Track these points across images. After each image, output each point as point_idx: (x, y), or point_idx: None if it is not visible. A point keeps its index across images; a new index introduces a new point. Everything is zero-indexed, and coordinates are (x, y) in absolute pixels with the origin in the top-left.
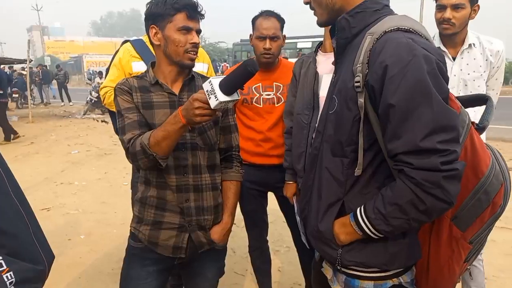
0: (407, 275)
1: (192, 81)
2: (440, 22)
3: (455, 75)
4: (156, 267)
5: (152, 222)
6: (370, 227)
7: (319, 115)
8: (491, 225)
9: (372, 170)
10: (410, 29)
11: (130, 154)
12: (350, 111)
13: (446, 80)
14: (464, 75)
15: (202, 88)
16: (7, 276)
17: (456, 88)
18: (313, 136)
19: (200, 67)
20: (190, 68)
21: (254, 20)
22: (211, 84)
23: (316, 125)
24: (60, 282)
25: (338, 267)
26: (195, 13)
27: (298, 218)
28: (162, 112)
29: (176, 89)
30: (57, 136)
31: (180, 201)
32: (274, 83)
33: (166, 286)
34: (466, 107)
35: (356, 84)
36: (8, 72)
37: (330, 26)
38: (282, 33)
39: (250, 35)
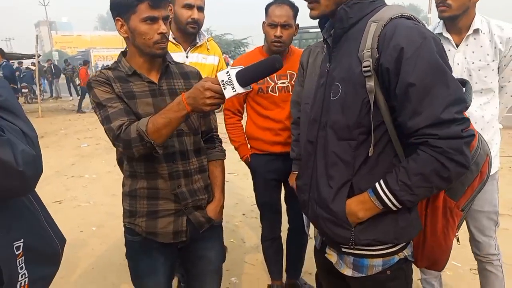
0: (408, 248)
1: (167, 68)
2: (437, 4)
3: (458, 64)
4: (162, 254)
5: (147, 213)
6: (393, 199)
7: (315, 105)
8: (478, 192)
9: (379, 151)
10: (411, 17)
11: (122, 141)
12: (358, 96)
13: (445, 60)
14: (468, 64)
15: (178, 76)
16: (19, 261)
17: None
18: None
19: (212, 60)
20: (161, 56)
21: (267, 7)
22: (229, 75)
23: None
24: (72, 273)
25: (345, 250)
26: (158, 1)
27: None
28: (144, 101)
29: (154, 78)
30: (67, 130)
31: (173, 188)
32: (288, 71)
33: (177, 276)
34: None
35: (365, 68)
36: (15, 67)
37: (318, 21)
38: (295, 21)
39: (263, 22)
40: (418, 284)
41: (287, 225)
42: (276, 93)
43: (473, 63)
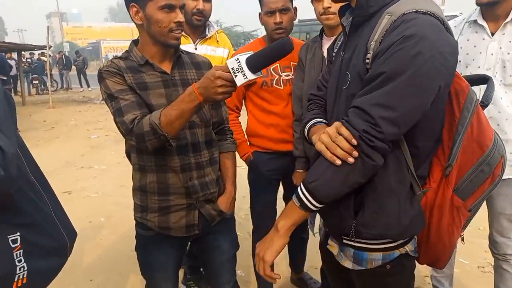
0: (411, 244)
1: (179, 58)
2: None
3: (492, 54)
4: (172, 247)
5: (159, 208)
6: (305, 190)
7: (331, 96)
8: (488, 195)
9: None
10: (428, 12)
11: (136, 135)
12: (361, 87)
13: (449, 69)
14: (503, 54)
15: (190, 66)
16: (16, 254)
17: (492, 70)
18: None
19: (221, 52)
20: (176, 47)
21: None
22: (239, 62)
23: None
24: (81, 263)
25: (346, 241)
26: None
27: None
28: (157, 92)
29: (166, 68)
30: (77, 121)
31: (185, 180)
32: (291, 62)
33: (183, 269)
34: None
35: (367, 60)
36: (26, 58)
37: (339, 8)
38: (292, 4)
39: (260, 14)
40: (426, 281)
41: None
42: (281, 86)
43: (508, 53)
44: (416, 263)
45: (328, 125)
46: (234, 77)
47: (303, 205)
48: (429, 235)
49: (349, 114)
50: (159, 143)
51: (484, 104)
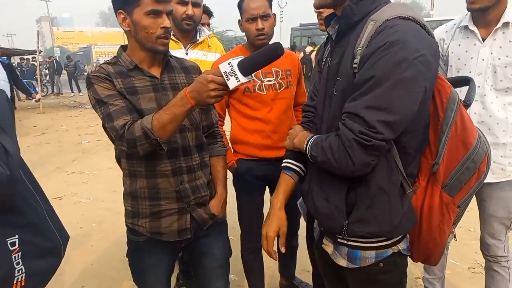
0: (403, 242)
1: (168, 63)
2: None
3: (483, 59)
4: (164, 251)
5: (150, 213)
6: (308, 148)
7: (320, 101)
8: (475, 190)
9: None
10: (410, 17)
11: (127, 141)
12: (351, 91)
13: (432, 70)
14: (494, 60)
15: (179, 70)
16: (15, 257)
17: (483, 75)
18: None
19: (213, 56)
20: (163, 53)
21: (240, 4)
22: (231, 66)
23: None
24: (73, 269)
25: (340, 240)
26: None
27: (301, 204)
28: (147, 96)
29: (155, 72)
30: (68, 126)
31: (176, 184)
32: (273, 68)
33: (176, 274)
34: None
35: (354, 65)
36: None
37: (324, 17)
38: (271, 11)
39: (239, 21)
40: (418, 282)
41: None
42: (263, 91)
43: (499, 58)
44: (409, 264)
45: (318, 130)
46: (226, 80)
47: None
48: (421, 232)
49: (345, 119)
50: (151, 148)
51: (467, 104)
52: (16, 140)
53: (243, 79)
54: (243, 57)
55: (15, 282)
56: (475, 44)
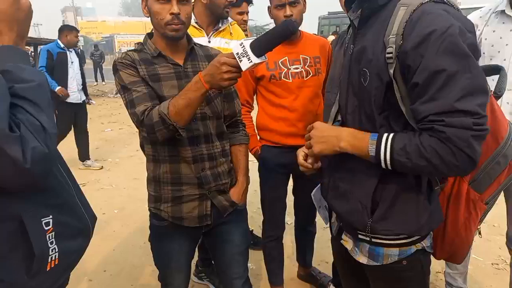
0: (427, 239)
1: (193, 51)
2: None
3: None
4: (185, 237)
5: (172, 198)
6: (388, 153)
7: (339, 91)
8: (505, 186)
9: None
10: (444, 1)
11: (146, 126)
12: (380, 82)
13: (476, 52)
14: None
15: (203, 58)
16: (49, 236)
17: None
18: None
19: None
20: (176, 39)
21: None
22: (243, 47)
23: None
24: (95, 254)
25: (361, 237)
26: None
27: (316, 196)
28: (170, 84)
29: (179, 60)
30: (91, 115)
31: (197, 171)
32: (301, 55)
33: (195, 261)
34: None
35: (388, 55)
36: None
37: (344, 1)
38: None
39: (268, 7)
40: (439, 277)
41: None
42: (289, 79)
43: None
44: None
45: (343, 122)
46: (239, 61)
47: (376, 159)
48: (446, 230)
49: (443, 119)
50: (169, 134)
51: (497, 94)
52: (54, 119)
53: (255, 60)
54: (256, 38)
55: (49, 260)
56: (511, 30)
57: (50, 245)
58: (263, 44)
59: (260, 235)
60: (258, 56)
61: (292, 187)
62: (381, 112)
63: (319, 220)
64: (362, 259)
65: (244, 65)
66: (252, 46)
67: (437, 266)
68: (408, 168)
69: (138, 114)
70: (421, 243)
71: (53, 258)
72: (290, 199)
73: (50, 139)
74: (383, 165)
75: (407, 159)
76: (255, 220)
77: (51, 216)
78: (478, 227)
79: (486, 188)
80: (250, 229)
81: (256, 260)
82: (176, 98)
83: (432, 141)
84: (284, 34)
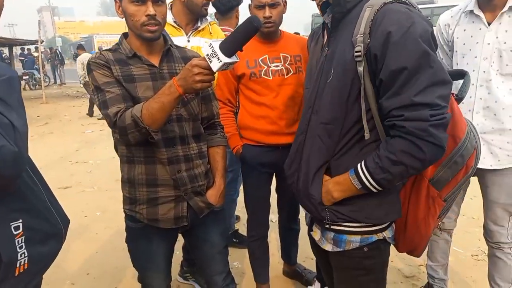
0: (389, 231)
1: (169, 52)
2: None
3: (489, 44)
4: (161, 238)
5: (147, 200)
6: (370, 177)
7: (310, 90)
8: (462, 185)
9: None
10: (406, 1)
11: (119, 128)
12: (348, 81)
13: (435, 46)
14: (500, 44)
15: (180, 60)
16: (18, 241)
17: (489, 59)
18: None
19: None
20: (153, 40)
21: None
22: (212, 47)
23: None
24: (77, 257)
25: (327, 226)
26: None
27: None
28: (144, 85)
29: (154, 61)
30: (71, 116)
31: (173, 173)
32: (281, 53)
33: (180, 261)
34: None
35: (356, 53)
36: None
37: (321, 4)
38: None
39: (249, 5)
40: (421, 269)
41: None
42: (269, 76)
43: (505, 43)
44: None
45: (306, 120)
46: (209, 63)
47: (365, 187)
48: (406, 225)
49: (403, 114)
50: (141, 136)
51: (458, 97)
52: (25, 117)
53: (225, 60)
54: (223, 39)
55: (18, 265)
56: (480, 29)
57: (19, 250)
58: (231, 43)
59: (245, 233)
60: (228, 56)
61: (275, 185)
62: (346, 111)
63: (303, 218)
64: (328, 247)
65: (215, 66)
66: (221, 46)
67: (419, 259)
68: (393, 180)
69: (110, 115)
70: (383, 233)
71: (22, 263)
72: (274, 197)
73: (21, 138)
74: (373, 189)
75: (386, 172)
76: (241, 219)
77: (21, 220)
78: (439, 224)
79: (444, 186)
80: (235, 229)
81: (241, 258)
82: (150, 101)
83: (396, 143)
84: (249, 30)
